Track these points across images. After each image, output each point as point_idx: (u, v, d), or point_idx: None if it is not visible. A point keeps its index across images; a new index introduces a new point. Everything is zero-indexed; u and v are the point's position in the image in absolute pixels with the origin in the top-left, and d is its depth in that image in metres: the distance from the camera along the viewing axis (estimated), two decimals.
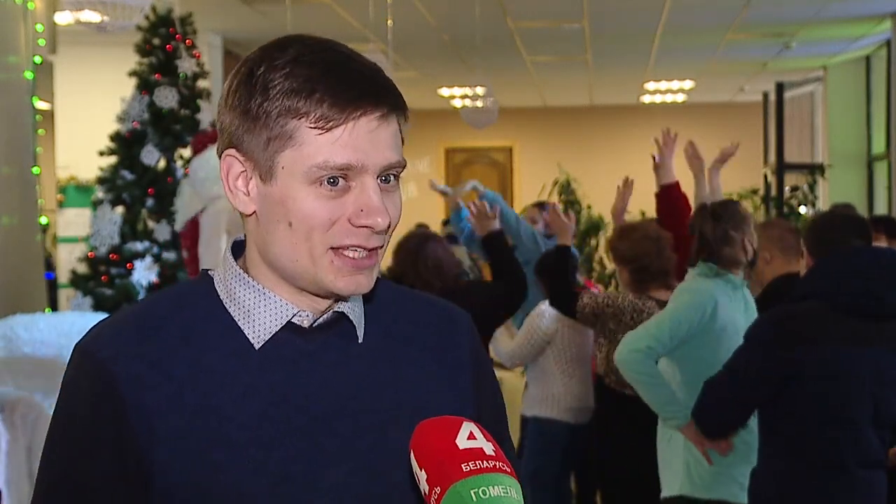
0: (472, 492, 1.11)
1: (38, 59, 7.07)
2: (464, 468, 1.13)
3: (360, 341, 1.38)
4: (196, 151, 6.07)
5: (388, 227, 1.30)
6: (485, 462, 1.14)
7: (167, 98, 7.34)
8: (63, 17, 7.14)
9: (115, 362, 1.30)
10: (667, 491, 3.79)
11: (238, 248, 1.41)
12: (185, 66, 7.46)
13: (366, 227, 1.28)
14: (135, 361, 1.30)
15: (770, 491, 3.21)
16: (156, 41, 7.51)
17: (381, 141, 1.28)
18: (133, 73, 7.52)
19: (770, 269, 4.56)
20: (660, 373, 3.68)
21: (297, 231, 1.28)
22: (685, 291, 3.75)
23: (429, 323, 1.46)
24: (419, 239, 4.47)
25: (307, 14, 8.58)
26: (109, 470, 1.30)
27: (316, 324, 1.36)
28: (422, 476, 1.16)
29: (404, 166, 1.33)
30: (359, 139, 1.27)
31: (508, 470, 1.15)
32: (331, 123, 1.26)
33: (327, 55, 1.29)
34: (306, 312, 1.35)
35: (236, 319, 1.34)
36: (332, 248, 1.29)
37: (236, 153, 1.31)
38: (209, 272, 1.40)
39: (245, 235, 1.39)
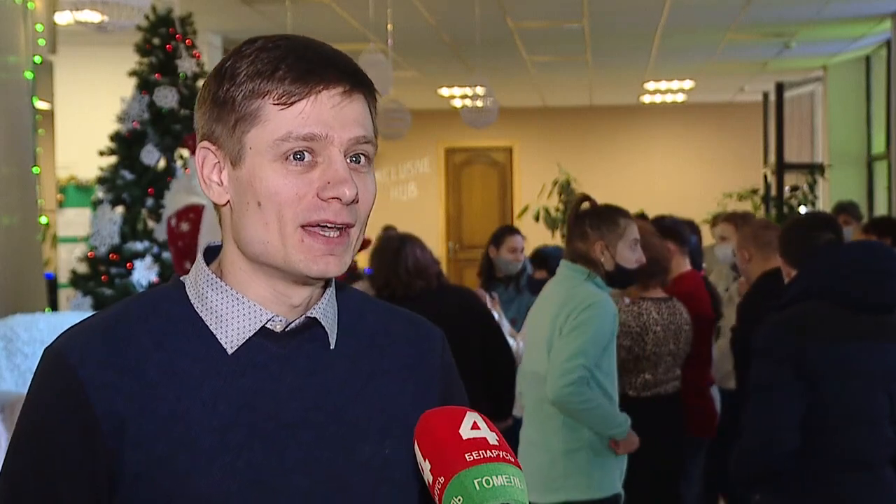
0: (475, 481, 1.11)
1: (38, 59, 7.07)
2: (467, 458, 1.13)
3: (332, 348, 1.37)
4: (192, 150, 6.06)
5: (357, 201, 1.30)
6: (488, 452, 1.14)
7: (167, 98, 7.34)
8: (63, 17, 7.14)
9: (84, 369, 1.29)
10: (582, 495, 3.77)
11: (211, 254, 1.41)
12: (185, 66, 7.46)
13: (334, 198, 1.28)
14: (105, 368, 1.29)
15: (791, 492, 3.18)
16: (156, 41, 7.51)
17: (346, 115, 1.29)
18: (133, 73, 7.52)
19: (752, 266, 4.58)
20: (595, 393, 3.66)
21: (266, 210, 1.28)
22: (593, 306, 3.69)
23: (401, 336, 1.46)
24: (397, 242, 4.47)
25: (307, 14, 8.58)
26: (75, 476, 1.29)
27: (289, 328, 1.35)
28: (426, 466, 1.16)
29: (375, 146, 1.33)
30: (322, 112, 1.28)
31: (512, 459, 1.15)
32: (294, 98, 1.28)
33: (292, 41, 1.32)
34: (280, 318, 1.34)
35: (208, 324, 1.34)
36: (302, 227, 1.29)
37: (209, 144, 1.33)
38: (181, 278, 1.40)
39: (222, 236, 1.38)
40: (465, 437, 1.15)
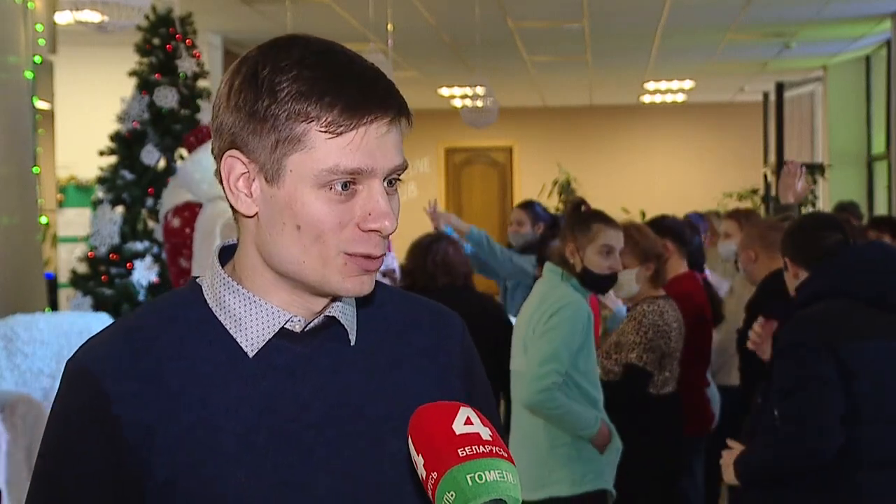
0: (468, 476, 1.11)
1: (38, 59, 7.08)
2: (460, 453, 1.13)
3: (352, 344, 1.38)
4: (191, 149, 6.06)
5: (393, 231, 1.31)
6: (481, 447, 1.14)
7: (167, 98, 7.34)
8: (63, 17, 7.14)
9: (107, 380, 1.29)
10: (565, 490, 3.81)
11: (225, 255, 1.40)
12: (185, 66, 7.46)
13: (374, 230, 1.28)
14: (127, 378, 1.29)
15: (813, 489, 3.14)
16: (156, 41, 7.51)
17: (388, 146, 1.29)
18: (133, 73, 7.52)
19: (757, 266, 4.58)
20: (563, 399, 3.71)
21: (305, 234, 1.28)
22: (564, 308, 3.74)
23: (420, 324, 1.46)
24: (431, 238, 4.61)
25: (307, 14, 8.58)
26: (104, 487, 1.29)
27: (308, 328, 1.35)
28: (419, 461, 1.16)
29: (406, 168, 1.33)
30: (369, 144, 1.27)
31: (505, 455, 1.15)
32: (342, 128, 1.26)
33: (331, 57, 1.29)
34: (298, 318, 1.34)
35: (228, 328, 1.33)
36: (345, 254, 1.29)
37: (239, 154, 1.30)
38: (197, 280, 1.39)
39: (238, 238, 1.37)
40: (458, 433, 1.15)
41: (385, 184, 1.30)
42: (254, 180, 1.30)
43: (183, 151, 7.38)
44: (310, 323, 1.35)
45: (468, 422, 1.17)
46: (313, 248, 1.28)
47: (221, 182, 1.33)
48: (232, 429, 1.29)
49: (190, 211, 6.35)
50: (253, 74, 1.28)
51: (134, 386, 1.29)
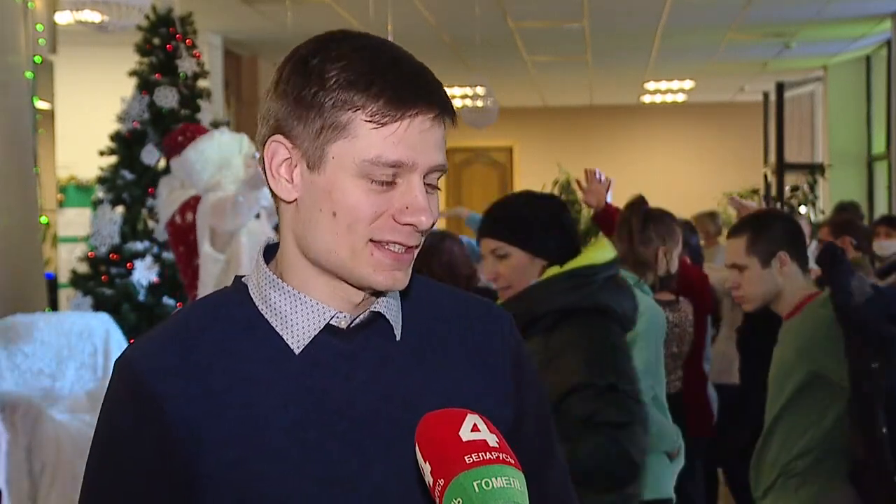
0: (474, 483, 1.12)
1: (38, 59, 7.08)
2: (467, 460, 1.13)
3: (397, 339, 1.38)
4: (177, 147, 6.03)
5: (430, 227, 1.31)
6: (488, 454, 1.14)
7: (167, 98, 7.34)
8: (63, 17, 7.14)
9: (156, 378, 1.30)
10: None
11: (269, 253, 1.41)
12: (186, 65, 7.46)
13: (410, 224, 1.29)
14: (176, 376, 1.31)
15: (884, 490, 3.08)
16: (156, 41, 7.51)
17: (431, 142, 1.30)
18: (133, 73, 7.52)
19: None
20: (657, 412, 3.61)
21: (339, 222, 1.29)
22: (647, 316, 3.47)
23: (468, 321, 1.45)
24: (438, 237, 4.55)
25: (307, 14, 8.59)
26: (155, 485, 1.31)
27: (353, 324, 1.36)
28: (426, 468, 1.17)
29: (446, 171, 1.34)
30: (412, 137, 1.28)
31: (512, 461, 1.15)
32: (386, 119, 1.27)
33: (383, 50, 1.31)
34: (343, 314, 1.35)
35: (274, 325, 1.34)
36: (372, 241, 1.29)
37: (283, 139, 1.31)
38: (243, 279, 1.41)
39: (279, 228, 1.38)
40: (464, 440, 1.16)
41: (426, 183, 1.31)
42: (296, 166, 1.31)
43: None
44: (355, 319, 1.36)
45: (475, 429, 1.17)
46: (345, 236, 1.29)
47: (264, 168, 1.34)
48: (279, 425, 1.30)
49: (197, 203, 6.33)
50: (303, 63, 1.30)
51: (181, 383, 1.30)
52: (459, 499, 1.11)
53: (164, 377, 1.30)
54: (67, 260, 9.27)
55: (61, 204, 10.22)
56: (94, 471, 1.36)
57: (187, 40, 7.53)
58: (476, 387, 1.40)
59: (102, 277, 7.34)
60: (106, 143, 7.56)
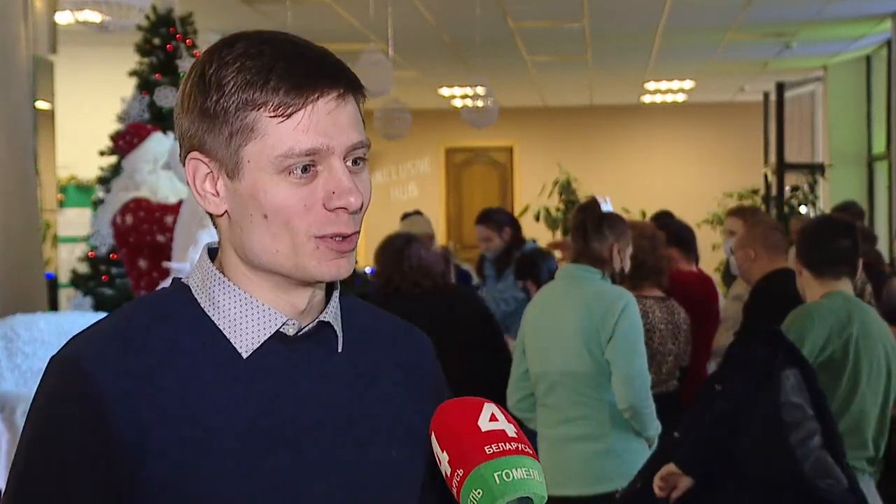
0: (495, 474, 1.11)
1: (38, 59, 7.07)
2: (487, 451, 1.13)
3: (339, 351, 1.37)
4: (123, 151, 6.01)
5: (361, 207, 1.30)
6: (508, 444, 1.13)
7: (167, 98, 7.34)
8: (63, 17, 7.14)
9: (101, 376, 1.26)
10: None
11: (211, 256, 1.39)
12: (186, 66, 7.43)
13: (340, 208, 1.28)
14: (122, 376, 1.27)
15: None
16: (156, 41, 7.52)
17: (342, 121, 1.28)
18: (133, 73, 7.53)
19: (756, 266, 4.57)
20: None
21: (273, 222, 1.28)
22: (629, 303, 3.85)
23: (397, 340, 1.46)
24: (402, 241, 4.53)
25: (307, 14, 8.58)
26: (96, 489, 1.27)
27: (301, 332, 1.35)
28: (443, 458, 1.16)
29: (369, 146, 1.32)
30: (320, 122, 1.27)
31: (530, 452, 1.14)
32: (290, 109, 1.26)
33: (275, 45, 1.30)
34: (293, 321, 1.34)
35: (221, 328, 1.32)
36: (315, 237, 1.29)
37: (200, 155, 1.31)
38: (182, 280, 1.38)
39: (219, 243, 1.37)
40: (483, 429, 1.15)
41: (350, 163, 1.30)
42: (217, 178, 1.31)
43: None
44: (304, 328, 1.35)
45: (493, 418, 1.16)
46: (283, 235, 1.28)
47: (190, 187, 1.34)
48: (228, 429, 1.28)
49: (144, 208, 6.35)
50: (200, 75, 1.29)
51: (128, 383, 1.27)
52: (480, 490, 1.11)
53: (113, 376, 1.26)
54: (67, 260, 9.28)
55: (61, 204, 10.22)
56: (24, 474, 1.29)
57: (187, 40, 7.54)
58: (406, 402, 1.41)
59: (103, 277, 7.35)
60: (106, 143, 7.56)
